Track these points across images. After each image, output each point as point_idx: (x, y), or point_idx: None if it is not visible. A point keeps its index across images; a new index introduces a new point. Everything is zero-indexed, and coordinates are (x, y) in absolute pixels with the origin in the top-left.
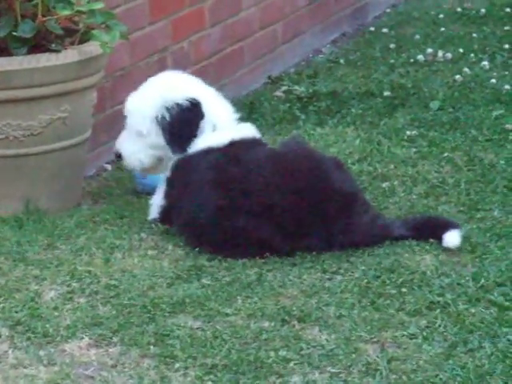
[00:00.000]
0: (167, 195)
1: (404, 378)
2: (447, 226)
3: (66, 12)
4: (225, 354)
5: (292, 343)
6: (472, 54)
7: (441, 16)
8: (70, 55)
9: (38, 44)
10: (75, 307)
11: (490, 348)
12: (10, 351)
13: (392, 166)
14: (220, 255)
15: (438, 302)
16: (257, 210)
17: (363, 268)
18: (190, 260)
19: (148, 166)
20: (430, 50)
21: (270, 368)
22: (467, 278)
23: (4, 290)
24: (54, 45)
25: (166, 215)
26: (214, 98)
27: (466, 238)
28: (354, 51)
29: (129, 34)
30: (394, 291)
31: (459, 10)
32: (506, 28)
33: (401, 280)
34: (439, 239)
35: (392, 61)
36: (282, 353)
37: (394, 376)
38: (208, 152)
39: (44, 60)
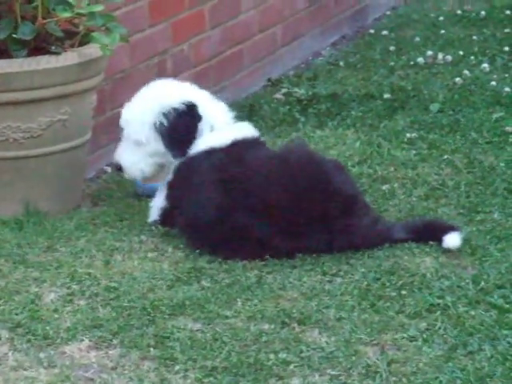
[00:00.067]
0: (169, 197)
1: (404, 380)
2: (447, 228)
3: (66, 14)
4: (225, 356)
5: (292, 345)
6: (472, 57)
7: (441, 18)
8: (70, 57)
9: (38, 46)
10: (75, 309)
11: (490, 350)
12: (10, 353)
13: (392, 169)
14: (221, 255)
15: (438, 304)
16: (258, 209)
17: (363, 270)
18: (190, 262)
19: (149, 175)
20: (430, 53)
21: (269, 370)
22: (467, 281)
23: (4, 292)
24: (54, 47)
25: (166, 217)
26: (209, 100)
27: (465, 241)
28: (354, 54)
29: (129, 37)
30: (393, 293)
31: (459, 12)
32: (506, 30)
33: (401, 282)
34: (439, 241)
35: (392, 63)
36: (282, 355)
37: (394, 378)
38: (210, 152)
39: (44, 62)
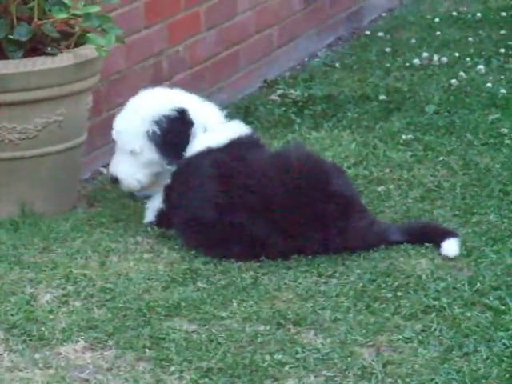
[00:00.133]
0: (167, 200)
1: (399, 381)
2: (445, 233)
3: (62, 15)
4: (220, 357)
5: (287, 347)
6: (468, 58)
7: (436, 20)
8: (65, 58)
9: (34, 47)
10: (70, 310)
11: (486, 352)
12: (5, 354)
13: (387, 170)
14: (217, 255)
15: (434, 305)
16: (256, 208)
17: (359, 272)
18: (186, 263)
19: (146, 185)
20: (425, 54)
21: (265, 371)
22: (463, 282)
23: None
24: (49, 48)
25: (162, 219)
26: (199, 103)
27: (461, 242)
28: (350, 55)
29: (124, 38)
30: (389, 295)
31: (455, 14)
32: (502, 32)
33: (396, 284)
34: (436, 245)
35: (388, 65)
36: (278, 356)
37: (390, 380)
38: (208, 153)
39: (40, 63)
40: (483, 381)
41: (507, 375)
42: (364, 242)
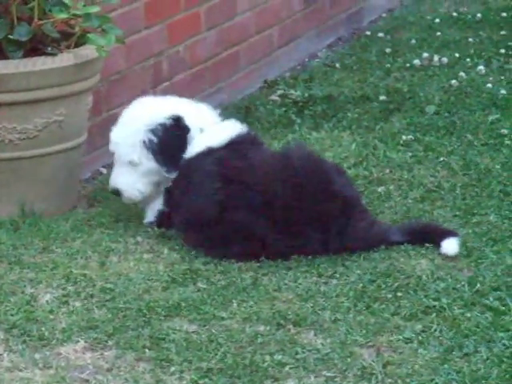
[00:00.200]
0: (168, 202)
1: (399, 382)
2: (445, 233)
3: (62, 15)
4: (220, 357)
5: (287, 347)
6: (468, 59)
7: (437, 20)
8: (65, 59)
9: (34, 47)
10: (70, 310)
11: (486, 352)
12: (5, 354)
13: (388, 171)
14: (217, 253)
15: (434, 306)
16: (257, 207)
17: (359, 272)
18: (186, 264)
19: (147, 194)
20: (425, 55)
21: (265, 372)
22: (463, 283)
23: None
24: (50, 48)
25: (162, 219)
26: (192, 106)
27: (461, 243)
28: (350, 55)
29: (124, 38)
30: (389, 295)
31: (455, 14)
32: (502, 33)
33: (396, 284)
34: (436, 245)
35: (388, 65)
36: (278, 357)
37: (390, 380)
38: (209, 152)
39: (40, 63)
40: (483, 381)
41: (507, 376)
42: (364, 242)
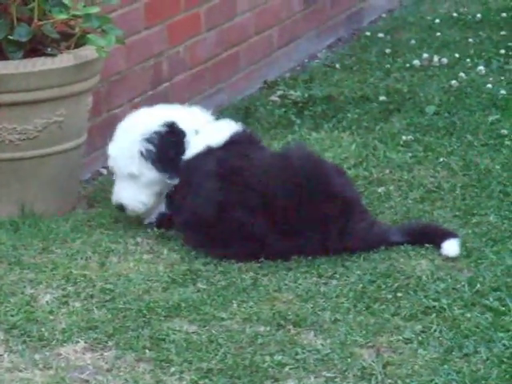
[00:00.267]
0: (170, 205)
1: (399, 382)
2: (445, 234)
3: (62, 16)
4: (220, 358)
5: (287, 348)
6: (468, 59)
7: (437, 21)
8: (65, 59)
9: (34, 48)
10: (70, 311)
11: (486, 353)
12: (5, 355)
13: (388, 171)
14: (217, 253)
15: (434, 306)
16: (256, 207)
17: (359, 273)
18: (186, 264)
19: (151, 205)
20: (425, 55)
21: (265, 372)
22: (463, 283)
23: None
24: (49, 49)
25: (162, 220)
26: (184, 110)
27: (461, 243)
28: (350, 56)
29: (124, 39)
30: (389, 296)
31: (455, 14)
32: (502, 33)
33: (396, 285)
34: (436, 246)
35: (388, 66)
36: (278, 357)
37: (390, 381)
38: (209, 152)
39: (40, 64)
40: (483, 382)
41: (507, 376)
42: (364, 242)
